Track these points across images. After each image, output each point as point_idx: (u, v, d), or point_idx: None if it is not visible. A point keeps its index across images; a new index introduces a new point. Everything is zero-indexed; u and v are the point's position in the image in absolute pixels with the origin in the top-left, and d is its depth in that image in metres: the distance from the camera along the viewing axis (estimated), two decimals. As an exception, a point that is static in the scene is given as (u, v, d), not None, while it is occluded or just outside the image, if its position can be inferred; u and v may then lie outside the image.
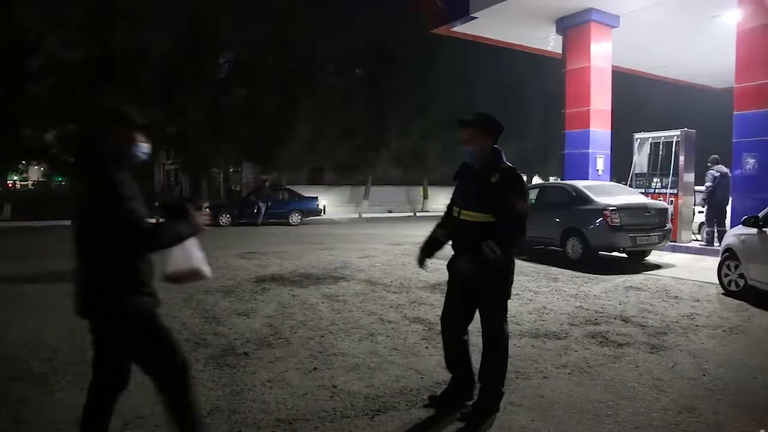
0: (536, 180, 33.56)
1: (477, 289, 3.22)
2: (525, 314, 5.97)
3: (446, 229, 3.42)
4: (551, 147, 25.23)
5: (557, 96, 15.23)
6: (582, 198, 9.74)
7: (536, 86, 27.60)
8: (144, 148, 2.46)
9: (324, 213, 22.73)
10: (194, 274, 2.61)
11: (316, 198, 21.12)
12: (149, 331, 2.42)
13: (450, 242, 3.40)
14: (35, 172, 42.36)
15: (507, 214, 3.05)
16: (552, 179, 29.65)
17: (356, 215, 24.94)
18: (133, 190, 2.29)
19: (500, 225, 3.05)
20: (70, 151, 20.51)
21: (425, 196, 30.52)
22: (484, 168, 3.19)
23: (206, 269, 2.63)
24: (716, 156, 11.36)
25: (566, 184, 10.61)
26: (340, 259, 9.99)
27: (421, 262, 3.45)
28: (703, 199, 11.32)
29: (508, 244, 3.08)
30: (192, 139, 22.99)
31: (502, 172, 3.13)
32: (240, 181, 30.99)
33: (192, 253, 2.58)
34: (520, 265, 9.45)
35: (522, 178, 3.14)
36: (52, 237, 15.01)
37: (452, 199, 3.39)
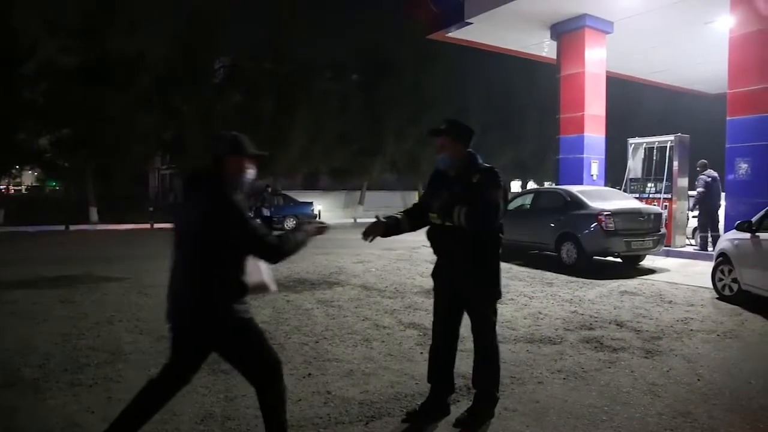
0: (531, 185, 33.70)
1: (465, 295, 3.22)
2: (520, 319, 5.97)
3: (413, 219, 3.36)
4: (546, 152, 25.34)
5: (552, 101, 15.31)
6: (577, 203, 9.77)
7: (531, 91, 27.76)
8: (251, 174, 2.68)
9: (319, 218, 22.65)
10: (262, 288, 2.81)
11: (311, 203, 21.10)
12: (254, 336, 2.64)
13: (432, 248, 3.37)
14: (29, 177, 42.19)
15: (479, 202, 3.05)
16: (547, 184, 29.75)
17: (351, 220, 24.94)
18: (247, 210, 2.54)
19: (472, 208, 3.04)
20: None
21: (420, 202, 30.63)
22: (462, 172, 3.19)
23: (273, 284, 2.85)
24: (705, 161, 11.43)
25: (561, 189, 10.64)
26: (334, 264, 9.97)
27: (370, 232, 3.29)
28: (695, 205, 11.36)
29: (473, 219, 3.04)
30: (187, 144, 22.94)
31: (482, 171, 3.15)
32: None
33: (262, 268, 2.79)
34: (515, 269, 9.49)
35: (499, 174, 3.13)
36: (44, 242, 14.93)
37: (423, 203, 3.35)
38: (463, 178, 3.16)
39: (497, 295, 3.23)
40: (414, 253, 11.67)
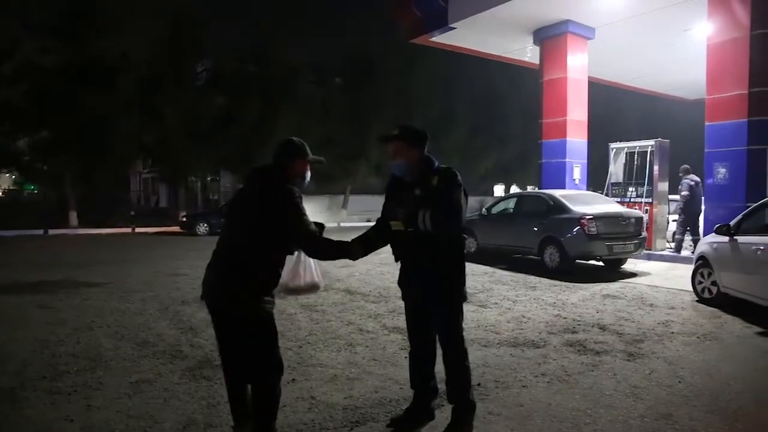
0: (514, 189, 33.90)
1: (432, 298, 3.18)
2: (503, 323, 5.99)
3: (382, 234, 3.28)
4: (530, 156, 25.47)
5: (535, 106, 15.43)
6: (559, 207, 9.84)
7: (515, 96, 27.94)
8: (308, 176, 3.03)
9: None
10: (313, 287, 3.07)
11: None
12: (271, 331, 2.85)
13: (394, 256, 3.32)
14: (6, 180, 41.44)
15: (442, 204, 3.03)
16: (530, 188, 29.97)
17: (335, 224, 24.86)
18: (303, 203, 2.83)
19: (436, 210, 3.02)
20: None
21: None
22: (420, 177, 3.16)
23: (322, 283, 3.12)
24: (687, 166, 11.60)
25: (544, 193, 10.71)
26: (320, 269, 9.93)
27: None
28: (680, 209, 11.50)
29: (438, 222, 3.02)
30: (169, 148, 22.74)
31: (440, 173, 3.12)
32: (218, 189, 30.71)
33: (314, 268, 3.05)
34: (498, 273, 9.53)
35: (457, 175, 3.12)
36: (22, 247, 14.66)
37: (385, 215, 3.29)
38: (422, 182, 3.13)
39: (463, 297, 3.22)
40: (398, 257, 11.65)
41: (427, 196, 3.08)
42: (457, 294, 3.19)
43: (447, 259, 3.16)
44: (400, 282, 3.37)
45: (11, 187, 40.47)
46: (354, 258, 3.05)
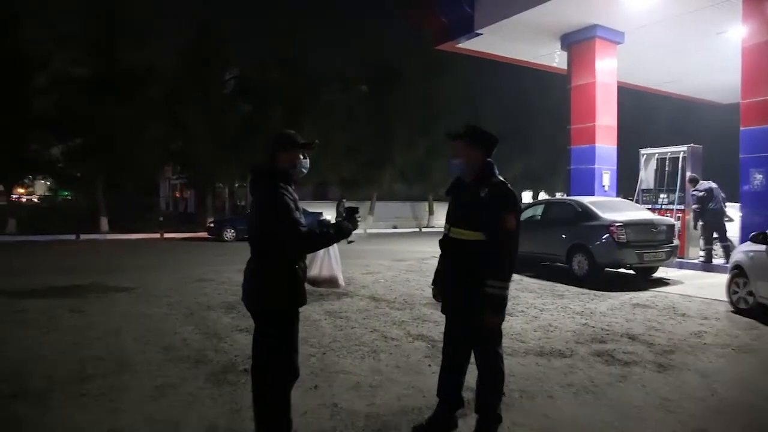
0: (542, 195, 33.54)
1: (469, 315, 3.12)
2: (530, 332, 5.91)
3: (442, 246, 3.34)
4: (558, 162, 25.19)
5: (563, 111, 15.25)
6: (588, 214, 9.70)
7: (543, 101, 27.68)
8: (305, 163, 2.98)
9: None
10: (332, 281, 3.21)
11: (321, 213, 21.15)
12: (292, 332, 2.88)
13: (441, 256, 3.31)
14: (41, 187, 42.66)
15: (497, 234, 2.97)
16: (558, 195, 29.58)
17: (361, 231, 24.92)
18: (295, 201, 2.79)
19: (494, 250, 2.97)
20: (82, 164, 20.92)
21: (431, 212, 30.50)
22: (474, 182, 3.12)
23: (342, 279, 3.26)
24: (694, 175, 11.33)
25: (572, 200, 10.57)
26: (344, 274, 9.95)
27: (435, 293, 3.41)
28: (695, 219, 11.24)
29: (507, 270, 3.00)
30: (197, 155, 23.13)
31: (492, 186, 3.04)
32: (245, 196, 31.04)
33: (334, 262, 3.19)
34: (525, 281, 9.41)
35: (513, 194, 3.05)
36: (55, 252, 15.05)
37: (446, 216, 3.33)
38: (474, 188, 3.09)
39: (502, 315, 3.16)
40: (423, 264, 11.62)
41: (473, 206, 3.05)
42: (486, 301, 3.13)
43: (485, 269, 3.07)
44: (436, 281, 3.35)
45: (46, 193, 41.62)
46: (346, 234, 2.94)
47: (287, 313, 2.84)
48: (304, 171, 2.98)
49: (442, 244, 3.27)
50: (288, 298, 2.84)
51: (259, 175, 2.90)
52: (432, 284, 3.42)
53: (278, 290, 2.80)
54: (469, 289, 3.06)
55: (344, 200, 21.13)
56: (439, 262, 3.37)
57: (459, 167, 3.20)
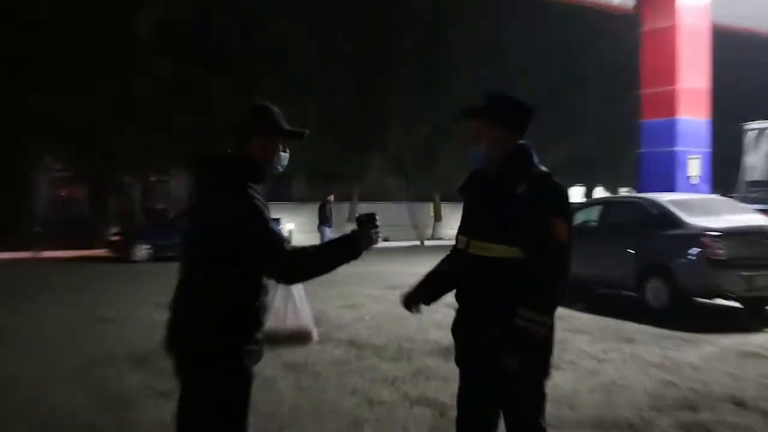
0: (600, 193, 33.76)
1: (498, 362, 3.06)
2: (585, 393, 5.90)
3: (455, 265, 3.30)
4: (621, 144, 25.40)
5: (629, 71, 15.35)
6: (668, 219, 9.73)
7: (598, 57, 27.87)
8: (284, 159, 2.99)
9: (290, 241, 22.69)
10: (301, 334, 3.07)
11: (278, 219, 21.09)
12: (234, 405, 2.82)
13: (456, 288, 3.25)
14: None
15: (542, 247, 2.90)
16: (623, 191, 29.79)
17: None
18: (267, 209, 2.77)
19: (536, 269, 2.91)
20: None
21: (437, 218, 30.58)
22: (506, 176, 3.06)
23: (314, 329, 3.03)
24: None
25: (643, 199, 10.61)
26: (311, 309, 9.89)
27: (411, 301, 3.42)
28: None
29: (551, 298, 2.94)
30: (93, 136, 22.92)
31: (532, 180, 2.99)
32: (167, 194, 30.98)
33: (301, 307, 3.02)
34: (576, 318, 9.39)
35: (563, 190, 3.02)
36: None
37: (459, 225, 3.28)
38: (505, 185, 3.03)
39: (546, 367, 3.10)
40: (427, 294, 11.58)
41: (506, 208, 2.99)
42: (539, 359, 3.05)
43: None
44: (455, 328, 3.27)
45: None
46: (357, 252, 2.92)
47: (237, 365, 2.77)
48: (280, 169, 3.01)
49: (455, 264, 3.21)
50: (240, 343, 2.77)
51: (216, 168, 2.88)
52: (409, 291, 3.43)
53: (229, 327, 2.75)
54: (498, 331, 2.98)
55: (330, 201, 21.52)
56: (437, 267, 3.39)
57: (479, 157, 3.15)
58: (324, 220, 21.42)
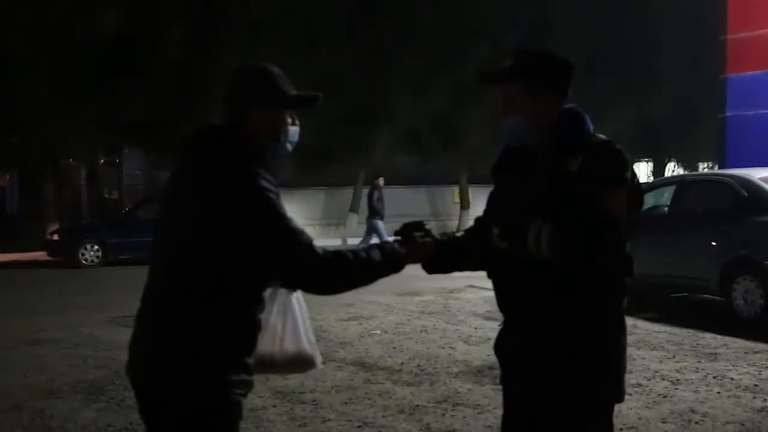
0: (672, 170, 33.63)
1: (550, 388, 3.05)
2: (656, 422, 5.93)
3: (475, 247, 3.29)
4: (698, 108, 25.32)
5: (708, 10, 15.29)
6: (762, 201, 9.74)
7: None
8: (294, 134, 2.95)
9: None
10: (301, 362, 3.11)
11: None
12: None
13: (496, 295, 3.25)
14: None
15: (581, 215, 2.87)
16: (702, 167, 29.72)
17: (338, 241, 24.96)
18: (280, 200, 2.70)
19: (562, 226, 2.90)
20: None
21: (464, 205, 30.48)
22: (552, 151, 3.03)
23: (318, 355, 3.15)
24: None
25: (730, 176, 10.59)
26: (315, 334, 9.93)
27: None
28: None
29: (565, 249, 2.87)
30: (22, 108, 22.91)
31: (589, 150, 2.96)
32: (119, 180, 31.04)
33: (302, 328, 3.07)
34: (641, 328, 9.43)
35: (626, 158, 2.97)
36: None
37: (486, 213, 3.31)
38: (554, 162, 3.01)
39: (616, 393, 3.10)
40: (453, 300, 11.63)
41: (556, 191, 2.98)
42: (603, 385, 3.05)
43: (587, 316, 3.01)
44: (498, 345, 3.30)
45: None
46: (400, 265, 2.93)
47: (222, 399, 2.72)
48: (290, 147, 2.97)
49: (494, 267, 3.22)
50: (228, 372, 2.71)
51: (208, 153, 2.79)
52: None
53: (228, 365, 2.70)
54: (553, 350, 3.01)
55: (381, 186, 21.34)
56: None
57: (517, 132, 3.15)
58: (375, 212, 21.11)
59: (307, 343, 3.07)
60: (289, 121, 2.89)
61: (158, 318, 2.76)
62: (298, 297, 3.10)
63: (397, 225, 3.25)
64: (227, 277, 2.66)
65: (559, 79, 3.10)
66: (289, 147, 2.95)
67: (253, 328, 2.76)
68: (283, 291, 2.97)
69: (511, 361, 3.21)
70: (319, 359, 3.11)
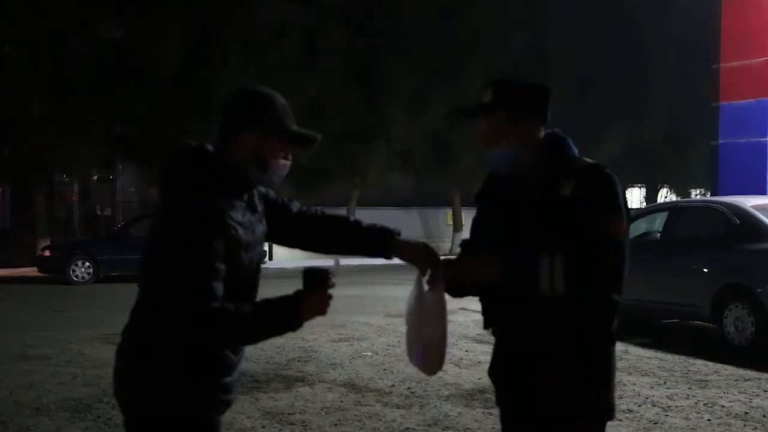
0: (665, 196, 33.73)
1: (544, 409, 3.06)
2: (647, 449, 5.91)
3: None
4: (691, 135, 25.42)
5: (701, 38, 15.37)
6: (754, 229, 9.73)
7: (660, 23, 27.84)
8: (283, 169, 2.82)
9: (269, 258, 22.69)
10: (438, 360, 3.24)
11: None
12: None
13: (484, 321, 3.26)
14: None
15: (591, 240, 2.88)
16: (694, 194, 29.80)
17: (330, 261, 24.89)
18: (242, 228, 2.62)
19: (574, 253, 2.86)
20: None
21: (456, 227, 30.53)
22: (541, 177, 3.05)
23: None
24: None
25: (722, 204, 10.61)
26: (297, 343, 9.95)
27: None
28: None
29: (581, 281, 2.89)
30: (15, 121, 22.86)
31: (579, 174, 2.99)
32: (112, 196, 30.98)
33: (445, 330, 3.23)
34: (633, 353, 9.44)
35: (617, 181, 2.99)
36: None
37: (472, 239, 3.33)
38: (544, 188, 3.03)
39: (606, 410, 3.11)
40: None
41: (551, 219, 2.98)
42: (595, 404, 3.05)
43: (580, 338, 3.02)
44: (493, 371, 3.31)
45: None
46: (298, 325, 2.73)
47: (199, 419, 2.76)
48: (276, 181, 2.86)
49: (484, 292, 3.23)
50: (192, 397, 2.71)
51: (173, 177, 2.76)
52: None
53: (175, 378, 2.67)
54: (555, 374, 3.01)
55: None
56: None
57: (502, 161, 3.16)
58: None
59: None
60: (281, 154, 2.79)
61: (135, 336, 2.76)
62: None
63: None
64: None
65: (538, 105, 3.14)
66: (275, 181, 2.84)
67: (214, 354, 2.70)
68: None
69: (505, 382, 3.23)
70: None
